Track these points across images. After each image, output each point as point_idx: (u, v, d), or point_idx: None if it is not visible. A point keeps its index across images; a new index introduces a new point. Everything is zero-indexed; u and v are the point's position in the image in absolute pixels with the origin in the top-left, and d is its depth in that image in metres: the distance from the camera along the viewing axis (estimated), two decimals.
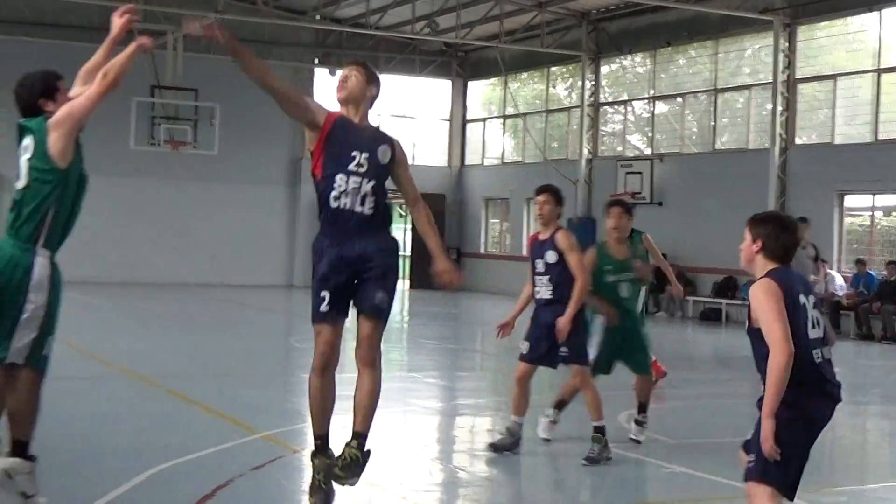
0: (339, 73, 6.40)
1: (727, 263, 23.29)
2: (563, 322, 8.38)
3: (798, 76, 24.51)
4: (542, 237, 8.72)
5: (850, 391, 10.67)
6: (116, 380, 12.10)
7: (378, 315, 6.18)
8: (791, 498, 5.46)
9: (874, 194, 22.97)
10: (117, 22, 6.24)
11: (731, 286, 24.54)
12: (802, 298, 5.40)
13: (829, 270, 22.18)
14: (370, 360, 6.22)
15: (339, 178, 6.07)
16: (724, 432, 10.11)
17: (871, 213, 23.47)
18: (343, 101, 6.32)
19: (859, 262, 22.32)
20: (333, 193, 6.06)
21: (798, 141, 24.52)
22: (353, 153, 6.10)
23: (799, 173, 23.81)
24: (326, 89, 32.94)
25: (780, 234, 5.51)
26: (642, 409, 9.38)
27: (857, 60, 23.75)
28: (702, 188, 25.71)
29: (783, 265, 5.50)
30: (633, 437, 9.27)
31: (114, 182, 27.80)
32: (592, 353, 9.06)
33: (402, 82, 34.21)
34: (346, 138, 6.14)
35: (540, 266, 8.62)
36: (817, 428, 5.40)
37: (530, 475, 8.48)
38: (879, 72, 22.84)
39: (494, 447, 8.67)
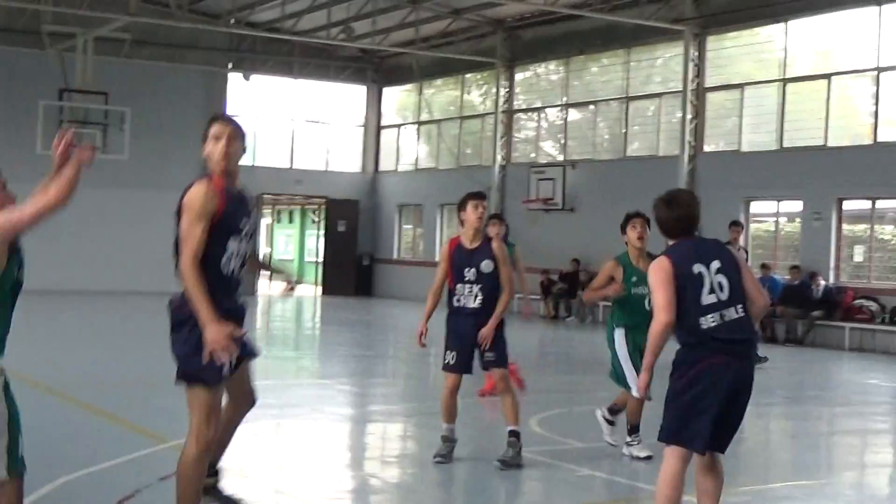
0: (216, 128, 6.03)
1: None
2: (488, 330, 8.45)
3: (707, 85, 24.96)
4: (471, 245, 8.59)
5: (753, 393, 10.92)
6: (23, 392, 11.84)
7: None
8: (702, 452, 5.79)
9: (779, 200, 23.52)
10: (56, 154, 5.58)
11: None
12: (698, 268, 5.72)
13: None
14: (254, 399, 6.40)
15: (231, 244, 5.87)
16: None
17: (775, 218, 24.03)
18: (227, 173, 5.98)
19: (764, 267, 22.78)
20: (224, 259, 5.86)
21: (706, 148, 24.97)
22: (242, 221, 5.95)
23: (707, 180, 24.21)
24: (240, 94, 32.79)
25: (662, 211, 5.86)
26: (614, 411, 9.31)
27: (764, 70, 24.26)
28: (613, 194, 26.00)
29: (683, 239, 5.82)
30: (610, 440, 9.22)
31: (18, 188, 27.04)
32: (629, 372, 8.92)
33: (317, 87, 34.15)
34: (236, 208, 5.94)
35: (470, 275, 8.51)
36: (722, 386, 5.67)
37: (442, 481, 8.53)
38: (785, 81, 23.36)
39: (443, 457, 8.60)
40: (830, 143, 22.34)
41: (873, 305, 21.22)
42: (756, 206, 23.97)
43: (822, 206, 22.08)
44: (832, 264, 22.00)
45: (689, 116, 24.77)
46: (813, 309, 21.49)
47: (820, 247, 22.10)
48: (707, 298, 5.67)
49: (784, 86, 23.37)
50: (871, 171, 21.13)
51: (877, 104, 21.65)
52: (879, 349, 20.75)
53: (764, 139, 23.90)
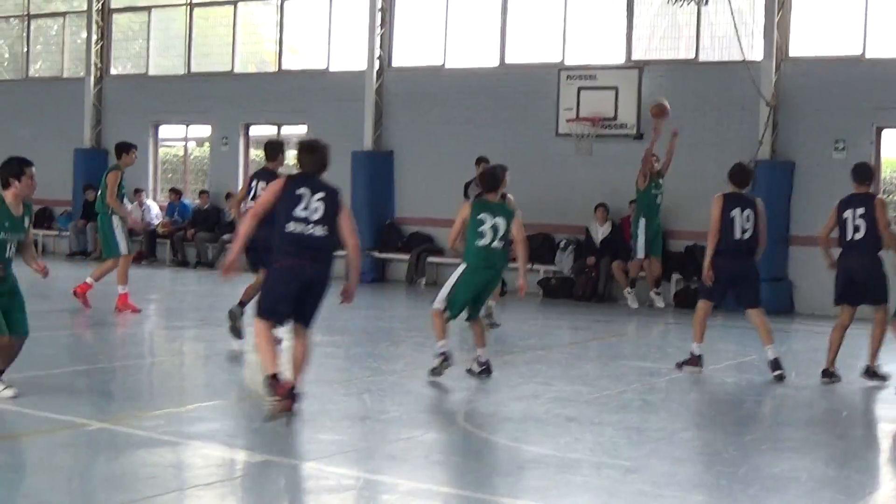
0: None
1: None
2: None
3: (113, 6, 24.33)
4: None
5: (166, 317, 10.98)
6: None
7: None
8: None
9: (187, 125, 23.67)
10: None
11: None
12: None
13: (145, 200, 22.57)
14: None
15: None
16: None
17: (184, 143, 24.16)
18: None
19: (174, 192, 22.87)
20: None
21: (113, 71, 24.42)
22: None
23: (114, 103, 23.76)
24: None
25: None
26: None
27: None
28: (17, 117, 24.75)
29: None
30: None
31: None
32: None
33: None
34: None
35: None
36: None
37: None
38: (191, 6, 23.39)
39: None
40: (237, 70, 22.79)
41: None
42: (164, 131, 23.95)
43: (230, 131, 22.49)
44: (239, 188, 22.47)
45: (94, 37, 24.03)
46: (224, 232, 21.87)
47: (228, 171, 22.52)
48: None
49: (191, 10, 23.40)
50: (276, 98, 21.85)
51: (281, 32, 22.33)
52: None
53: (172, 63, 23.83)
